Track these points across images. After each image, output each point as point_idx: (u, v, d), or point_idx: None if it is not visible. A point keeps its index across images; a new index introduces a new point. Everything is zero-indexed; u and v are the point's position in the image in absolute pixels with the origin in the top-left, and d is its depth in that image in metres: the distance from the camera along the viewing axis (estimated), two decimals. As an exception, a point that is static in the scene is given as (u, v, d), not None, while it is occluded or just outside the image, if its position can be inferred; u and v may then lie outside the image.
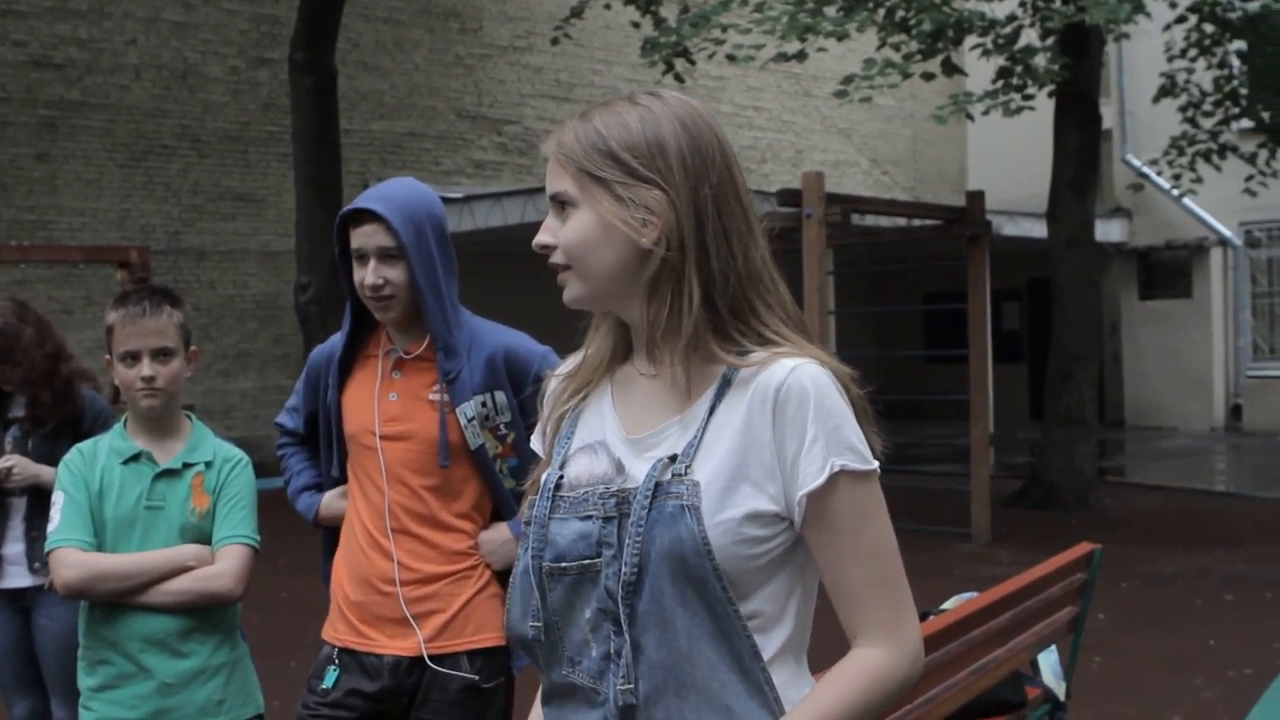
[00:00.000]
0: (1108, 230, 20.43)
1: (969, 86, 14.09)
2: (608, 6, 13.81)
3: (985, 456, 10.70)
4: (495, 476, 3.08)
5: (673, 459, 1.75)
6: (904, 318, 21.76)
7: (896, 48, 10.87)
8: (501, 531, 3.11)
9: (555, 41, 13.99)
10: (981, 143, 23.12)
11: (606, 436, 1.85)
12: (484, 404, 3.07)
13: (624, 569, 1.72)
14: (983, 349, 10.60)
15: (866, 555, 1.73)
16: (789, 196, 9.06)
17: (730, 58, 10.74)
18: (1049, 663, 4.59)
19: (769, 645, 1.75)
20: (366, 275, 3.00)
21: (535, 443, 2.01)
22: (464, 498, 3.10)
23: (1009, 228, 18.39)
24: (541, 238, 1.83)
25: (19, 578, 4.51)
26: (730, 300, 1.77)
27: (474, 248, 17.32)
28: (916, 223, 11.30)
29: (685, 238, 1.75)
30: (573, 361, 1.98)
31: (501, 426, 3.09)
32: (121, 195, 16.12)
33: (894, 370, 22.98)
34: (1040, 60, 11.04)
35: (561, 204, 1.80)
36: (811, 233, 8.74)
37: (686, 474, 1.73)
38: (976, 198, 10.36)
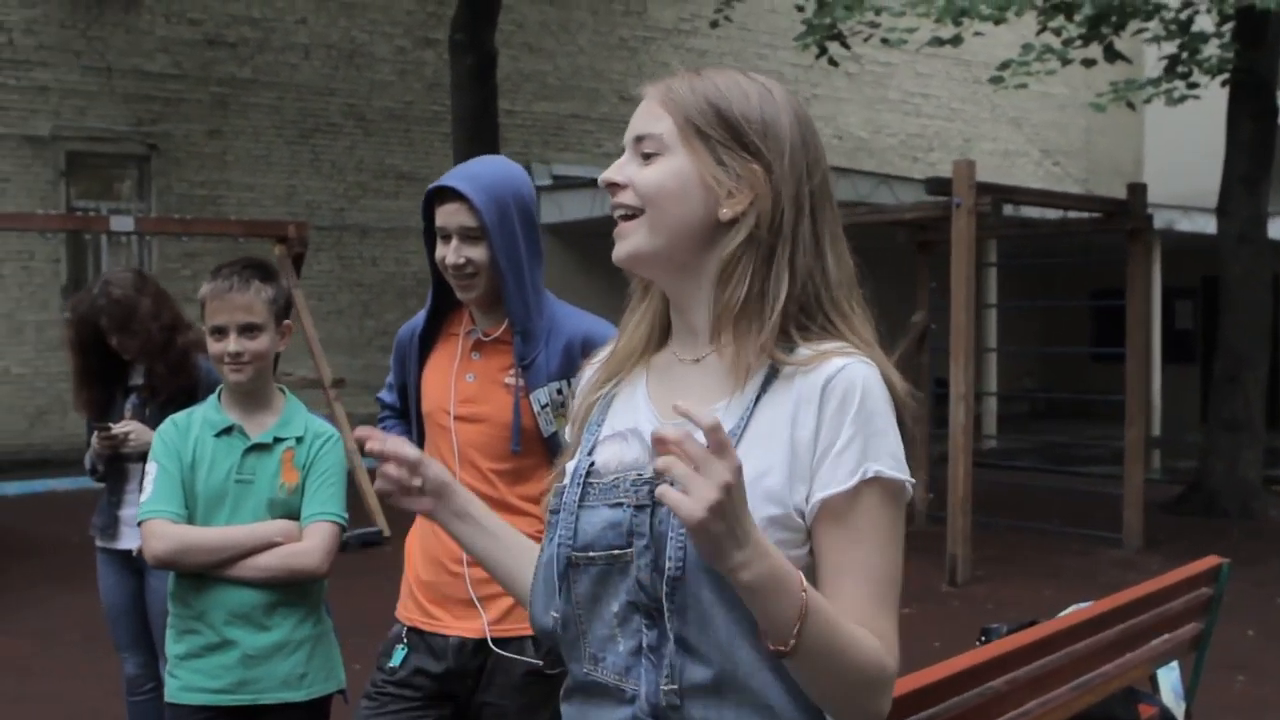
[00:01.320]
0: (1292, 227, 19.56)
1: (1147, 73, 13.60)
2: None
3: (1139, 459, 10.31)
4: None
5: None
6: (1071, 313, 21.17)
7: (1057, 32, 10.51)
8: None
9: (715, 24, 13.91)
10: (1159, 134, 22.34)
11: (639, 423, 1.76)
12: (559, 391, 3.01)
13: (668, 562, 1.62)
14: (1141, 348, 10.21)
15: (879, 572, 1.63)
16: (939, 185, 8.83)
17: (885, 41, 10.53)
18: (1169, 680, 4.37)
19: None
20: (448, 254, 2.97)
21: (567, 432, 1.93)
22: (533, 483, 3.03)
23: (1184, 223, 17.72)
24: (611, 175, 1.74)
25: (134, 539, 4.59)
26: (811, 300, 1.69)
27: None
28: (1073, 215, 10.95)
29: (784, 224, 1.68)
30: (608, 349, 1.90)
31: None
32: (289, 172, 16.51)
33: (1060, 368, 22.42)
34: (1210, 48, 10.56)
35: (646, 153, 1.72)
36: (961, 223, 8.50)
37: None
38: (1138, 190, 9.97)
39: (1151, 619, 3.96)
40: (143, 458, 4.56)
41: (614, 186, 1.74)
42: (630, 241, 1.73)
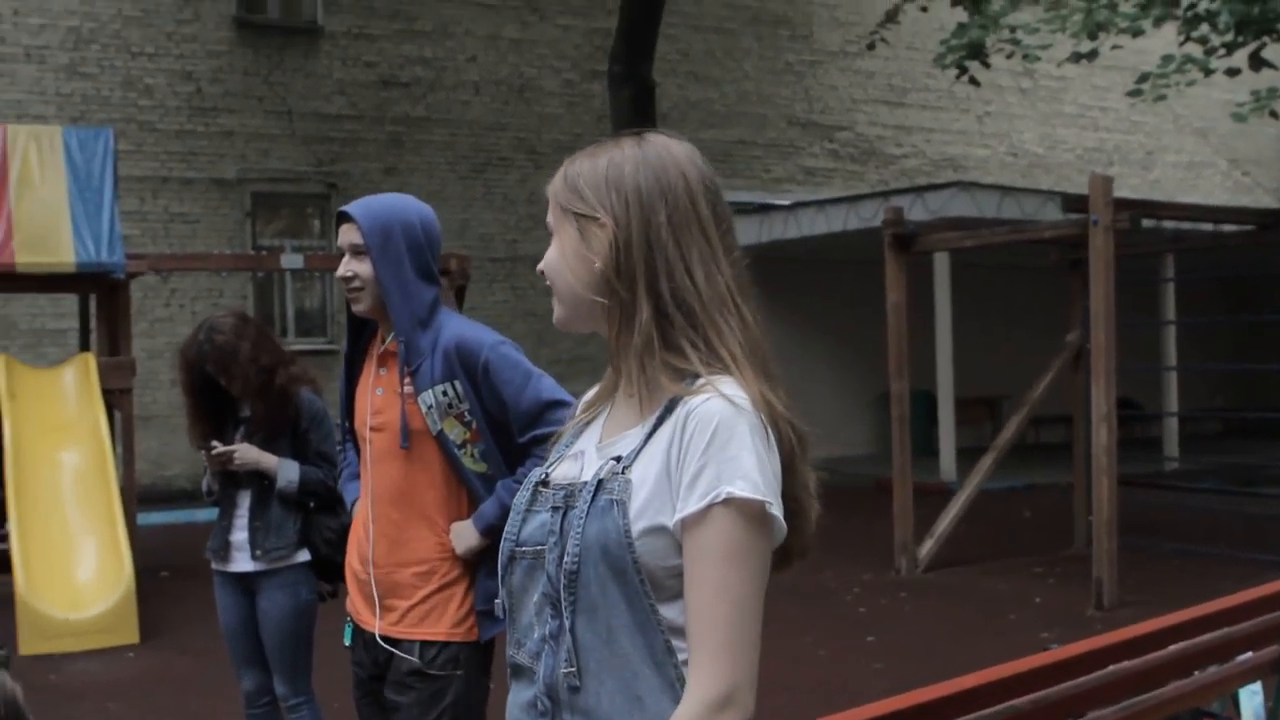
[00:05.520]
0: None
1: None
2: (924, 9, 13.62)
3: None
4: (458, 460, 3.32)
5: (618, 459, 1.86)
6: (1272, 329, 20.33)
7: (1203, 41, 10.24)
8: (467, 523, 3.36)
9: (871, 46, 13.93)
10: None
11: (588, 447, 1.98)
12: (445, 393, 3.31)
13: (566, 557, 1.83)
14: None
15: (713, 591, 1.75)
16: (1074, 202, 8.69)
17: (1025, 58, 10.42)
18: (1251, 705, 4.27)
19: (683, 650, 1.81)
20: (340, 268, 3.37)
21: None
22: (435, 483, 3.36)
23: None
24: (542, 265, 2.00)
25: (244, 563, 4.87)
26: (685, 317, 1.86)
27: (797, 254, 17.37)
28: (1228, 229, 10.62)
29: (634, 265, 1.86)
30: (595, 389, 2.12)
31: (465, 413, 3.32)
32: (462, 205, 17.02)
33: (1256, 386, 21.54)
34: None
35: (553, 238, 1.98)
36: (1099, 240, 8.35)
37: (624, 473, 1.83)
38: (1297, 200, 9.65)
39: (1212, 641, 3.88)
40: (251, 480, 4.88)
41: (542, 271, 2.00)
42: (555, 313, 1.99)
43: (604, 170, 1.90)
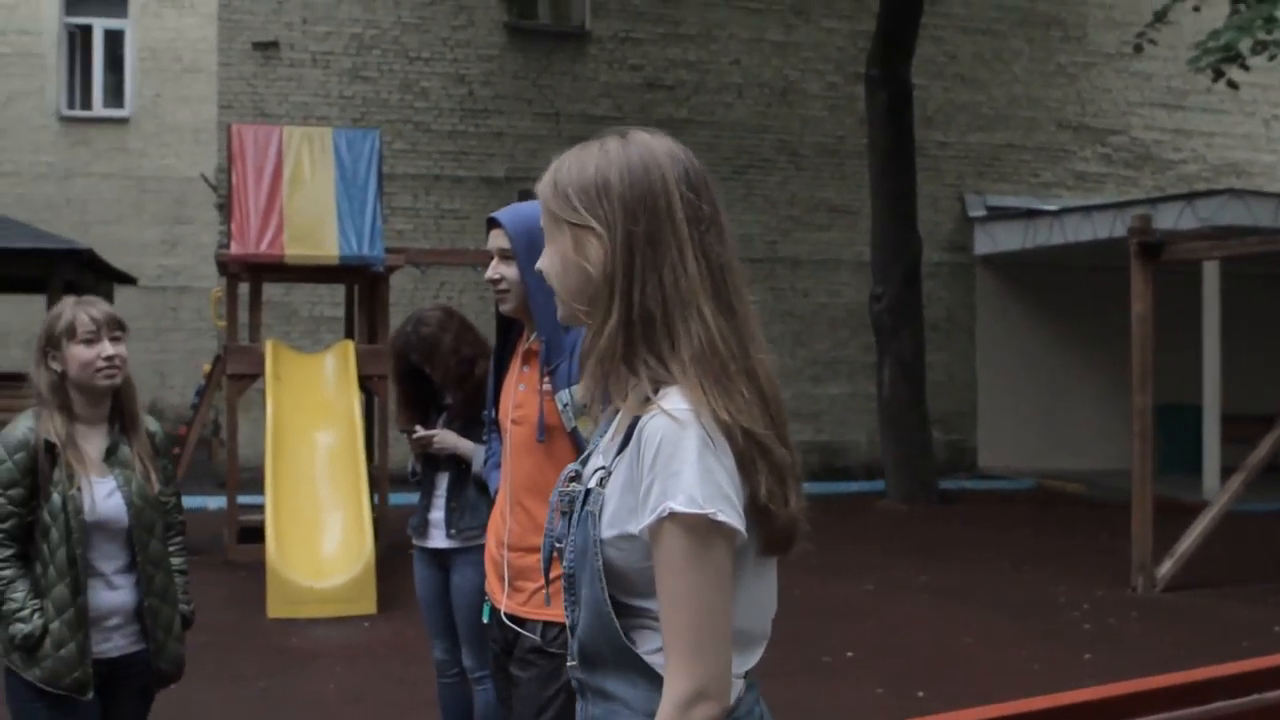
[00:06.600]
0: None
1: None
2: (1196, 9, 13.12)
3: None
4: None
5: (604, 468, 2.00)
6: None
7: None
8: None
9: (1139, 49, 13.49)
10: None
11: (603, 443, 2.10)
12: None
13: (566, 561, 2.02)
14: None
15: (673, 598, 1.85)
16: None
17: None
18: None
19: (651, 639, 1.94)
20: (489, 270, 3.59)
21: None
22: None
23: None
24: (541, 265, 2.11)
25: (440, 540, 5.19)
26: (645, 326, 1.93)
27: (1063, 260, 16.91)
28: None
29: (617, 269, 1.94)
30: None
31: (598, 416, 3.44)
32: (723, 206, 17.19)
33: None
34: None
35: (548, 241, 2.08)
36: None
37: (603, 486, 1.97)
38: None
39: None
40: (450, 463, 5.18)
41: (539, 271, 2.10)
42: (559, 311, 2.07)
43: (592, 178, 1.96)
